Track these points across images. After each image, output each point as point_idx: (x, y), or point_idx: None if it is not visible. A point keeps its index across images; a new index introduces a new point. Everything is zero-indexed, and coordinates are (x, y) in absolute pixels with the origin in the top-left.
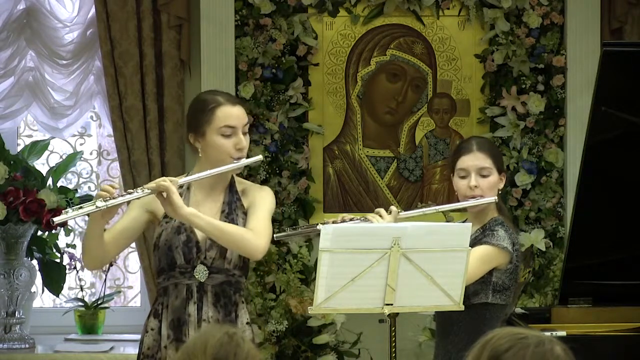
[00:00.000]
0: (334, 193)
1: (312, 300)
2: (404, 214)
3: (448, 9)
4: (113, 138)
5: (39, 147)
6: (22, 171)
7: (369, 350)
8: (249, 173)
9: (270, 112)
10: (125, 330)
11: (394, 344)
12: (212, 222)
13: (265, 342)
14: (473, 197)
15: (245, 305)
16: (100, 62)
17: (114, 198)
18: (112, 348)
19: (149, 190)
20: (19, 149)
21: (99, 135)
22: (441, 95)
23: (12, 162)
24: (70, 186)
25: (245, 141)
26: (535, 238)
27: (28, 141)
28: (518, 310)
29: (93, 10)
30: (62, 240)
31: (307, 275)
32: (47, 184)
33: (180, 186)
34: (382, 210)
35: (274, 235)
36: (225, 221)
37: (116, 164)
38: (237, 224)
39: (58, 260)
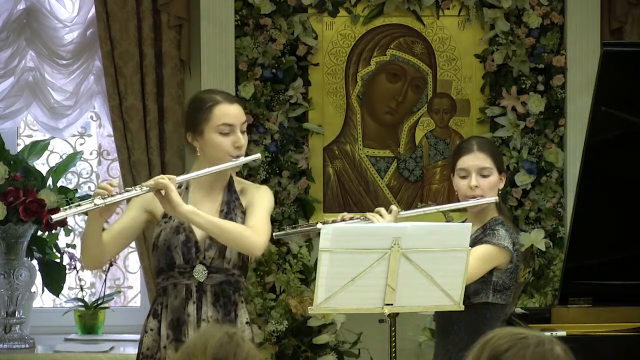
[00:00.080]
0: (334, 193)
1: (312, 300)
2: (404, 213)
3: (448, 9)
4: (113, 138)
5: (39, 147)
6: (22, 171)
7: (369, 350)
8: (249, 173)
9: (270, 112)
10: (125, 330)
11: (394, 344)
12: (211, 219)
13: (265, 342)
14: (473, 197)
15: (245, 305)
16: (100, 62)
17: (112, 196)
18: (112, 348)
19: (147, 188)
20: (19, 149)
21: (99, 135)
22: (441, 95)
23: (12, 162)
24: (70, 186)
25: (243, 139)
26: (535, 238)
27: (28, 141)
28: (518, 310)
29: (93, 10)
30: (62, 240)
31: (307, 275)
32: (47, 184)
33: (179, 186)
34: (382, 210)
35: (274, 234)
36: None
37: (116, 164)
38: None
39: (58, 260)
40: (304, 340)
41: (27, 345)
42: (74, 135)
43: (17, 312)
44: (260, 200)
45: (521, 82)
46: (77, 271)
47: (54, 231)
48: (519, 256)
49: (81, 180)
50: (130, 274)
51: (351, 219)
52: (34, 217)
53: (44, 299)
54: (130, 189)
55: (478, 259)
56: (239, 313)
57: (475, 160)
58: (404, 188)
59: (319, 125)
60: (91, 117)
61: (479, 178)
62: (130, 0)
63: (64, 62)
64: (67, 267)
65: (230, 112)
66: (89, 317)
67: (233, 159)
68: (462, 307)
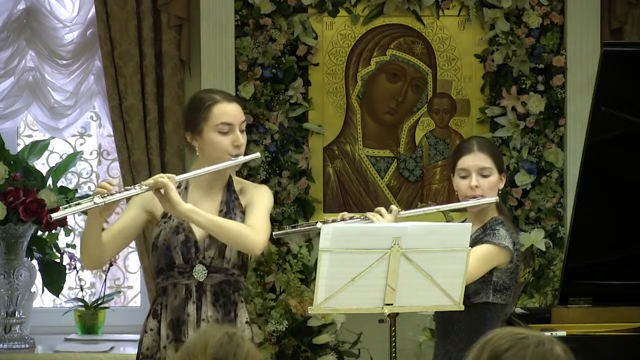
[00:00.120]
0: (334, 193)
1: (312, 300)
2: (404, 213)
3: (448, 9)
4: (113, 138)
5: (39, 147)
6: (22, 171)
7: (369, 350)
8: (249, 173)
9: (270, 112)
10: (125, 330)
11: (394, 344)
12: (211, 218)
13: (265, 342)
14: (474, 197)
15: (245, 305)
16: (100, 62)
17: (111, 195)
18: (112, 348)
19: (147, 187)
20: (19, 149)
21: (99, 135)
22: (441, 95)
23: (12, 162)
24: (70, 186)
25: (242, 138)
26: (535, 238)
27: (28, 141)
28: (518, 310)
29: (93, 10)
30: (62, 240)
31: (307, 275)
32: (47, 184)
33: (178, 185)
34: (382, 209)
35: (273, 233)
36: None
37: (116, 164)
38: None
39: (58, 260)
40: (304, 340)
41: (27, 345)
42: (74, 135)
43: (17, 312)
44: (260, 199)
45: (521, 82)
46: (77, 271)
47: (54, 231)
48: (519, 256)
49: (81, 180)
50: (130, 274)
51: (351, 218)
52: (34, 217)
53: (44, 299)
54: (129, 187)
55: (478, 258)
56: (239, 313)
57: (475, 160)
58: (404, 188)
59: (319, 125)
60: (91, 117)
61: (479, 178)
62: (130, 0)
63: (64, 62)
64: (67, 267)
65: (229, 111)
66: (89, 317)
67: (232, 158)
68: (462, 307)
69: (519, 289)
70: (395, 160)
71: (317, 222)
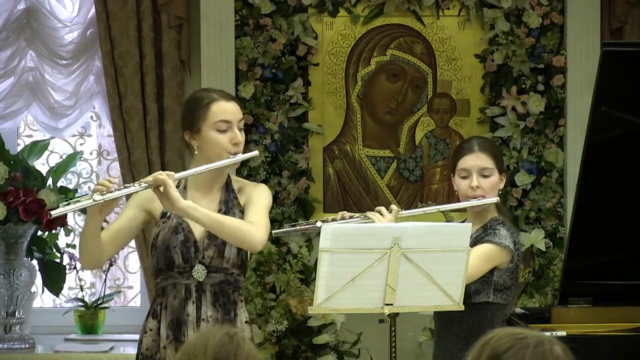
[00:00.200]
0: (334, 193)
1: (312, 300)
2: (404, 213)
3: (448, 9)
4: (113, 138)
5: (39, 147)
6: (22, 171)
7: (369, 350)
8: (249, 173)
9: (270, 112)
10: (125, 330)
11: (394, 344)
12: (210, 214)
13: (265, 342)
14: (474, 197)
15: (244, 304)
16: (100, 62)
17: (111, 192)
18: (112, 348)
19: (146, 184)
20: (19, 149)
21: (99, 135)
22: (441, 95)
23: (12, 162)
24: (70, 186)
25: (240, 136)
26: (535, 238)
27: (28, 141)
28: (518, 310)
29: (93, 10)
30: (62, 240)
31: (307, 275)
32: (47, 184)
33: (177, 185)
34: (382, 209)
35: (273, 232)
36: None
37: (116, 164)
38: None
39: (58, 260)
40: (304, 340)
41: (27, 345)
42: (74, 135)
43: (17, 312)
44: (259, 197)
45: (521, 82)
46: (77, 271)
47: (54, 231)
48: (520, 256)
49: (81, 180)
50: (130, 274)
51: (351, 217)
52: (34, 217)
53: (44, 299)
54: (129, 185)
55: (479, 258)
56: (239, 312)
57: (476, 160)
58: (404, 188)
59: (319, 125)
60: (91, 117)
61: (479, 178)
62: (130, 0)
63: (64, 62)
64: (67, 267)
65: (228, 109)
66: (89, 317)
67: (231, 156)
68: (462, 307)
69: (519, 289)
70: (395, 160)
71: (316, 221)
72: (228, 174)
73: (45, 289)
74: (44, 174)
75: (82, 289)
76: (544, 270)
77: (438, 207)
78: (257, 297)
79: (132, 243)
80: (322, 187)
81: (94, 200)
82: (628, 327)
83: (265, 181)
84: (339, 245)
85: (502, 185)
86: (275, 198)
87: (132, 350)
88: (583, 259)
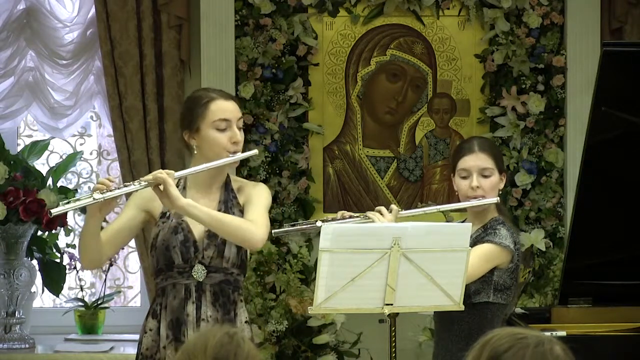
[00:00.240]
0: (334, 193)
1: (312, 300)
2: (404, 212)
3: (448, 9)
4: (113, 138)
5: (39, 147)
6: (22, 171)
7: (369, 350)
8: (249, 173)
9: (270, 112)
10: (125, 330)
11: (394, 344)
12: (210, 212)
13: (265, 342)
14: (475, 198)
15: (244, 304)
16: (100, 62)
17: (110, 191)
18: (112, 348)
19: (146, 183)
20: (19, 149)
21: (99, 135)
22: (441, 95)
23: (12, 162)
24: (70, 186)
25: (240, 135)
26: (535, 238)
27: (28, 141)
28: (518, 310)
29: (93, 10)
30: (62, 240)
31: (307, 275)
32: (47, 184)
33: (177, 185)
34: (382, 209)
35: (272, 232)
36: None
37: (116, 164)
38: None
39: (58, 260)
40: (304, 340)
41: (27, 345)
42: (74, 135)
43: (17, 312)
44: (258, 196)
45: (521, 82)
46: (77, 271)
47: (54, 231)
48: (520, 256)
49: (81, 180)
50: (130, 274)
51: (350, 216)
52: (34, 217)
53: (44, 299)
54: (128, 183)
55: (480, 257)
56: (238, 312)
57: (476, 160)
58: (404, 188)
59: (319, 125)
60: (91, 117)
61: (480, 178)
62: (130, 0)
63: (64, 62)
64: (67, 267)
65: (226, 108)
66: (89, 317)
67: (230, 155)
68: (462, 307)
69: (519, 289)
70: (395, 160)
71: (316, 221)
72: (227, 174)
73: (45, 289)
74: (44, 174)
75: (82, 289)
76: (544, 270)
77: (438, 207)
78: (257, 297)
79: (132, 243)
80: (322, 187)
81: (94, 198)
82: (628, 327)
83: (265, 181)
84: (339, 245)
85: (502, 186)
86: (275, 198)
87: (132, 350)
88: (583, 259)
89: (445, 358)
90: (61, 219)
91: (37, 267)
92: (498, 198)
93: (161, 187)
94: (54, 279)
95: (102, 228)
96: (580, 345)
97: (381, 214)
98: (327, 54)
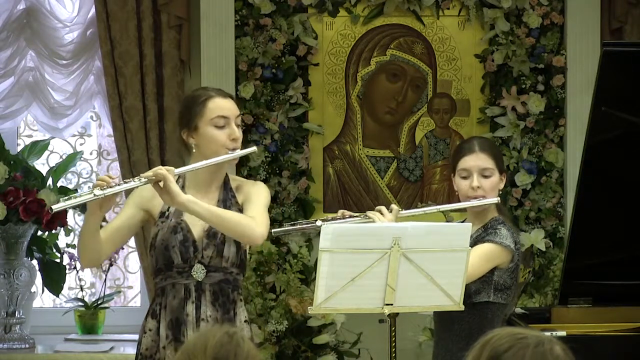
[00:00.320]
0: (334, 193)
1: (312, 300)
2: (404, 212)
3: (448, 9)
4: (113, 138)
5: (39, 147)
6: (22, 171)
7: (369, 350)
8: (249, 173)
9: (270, 112)
10: (125, 330)
11: (394, 344)
12: (210, 208)
13: (265, 342)
14: (475, 198)
15: (243, 304)
16: (100, 62)
17: (111, 187)
18: (112, 348)
19: (146, 179)
20: (19, 149)
21: (99, 135)
22: (441, 95)
23: (12, 162)
24: (70, 186)
25: (238, 132)
26: (535, 238)
27: (28, 141)
28: (518, 310)
29: (93, 10)
30: (62, 240)
31: (307, 275)
32: (47, 184)
33: (177, 181)
34: (383, 208)
35: (272, 231)
36: None
37: (116, 164)
38: None
39: (58, 260)
40: (304, 340)
41: (27, 345)
42: (74, 135)
43: (17, 312)
44: (257, 195)
45: (521, 82)
46: (77, 271)
47: (54, 231)
48: (520, 256)
49: (81, 180)
50: (130, 274)
51: (350, 216)
52: (34, 217)
53: (44, 299)
54: (129, 180)
55: (480, 257)
56: (238, 311)
57: (477, 160)
58: (404, 188)
59: (319, 125)
60: (91, 117)
61: (480, 178)
62: (130, 0)
63: (64, 62)
64: (67, 267)
65: (224, 105)
66: (89, 317)
67: (229, 152)
68: (462, 307)
69: (519, 289)
70: (395, 160)
71: (316, 220)
72: (226, 173)
73: (45, 289)
74: (44, 174)
75: (82, 289)
76: (544, 270)
77: (438, 207)
78: (257, 297)
79: (132, 243)
80: (322, 187)
81: (94, 195)
82: (628, 327)
83: (265, 181)
84: (339, 245)
85: (502, 186)
86: (275, 198)
87: (132, 350)
88: (583, 259)
89: (446, 358)
90: (61, 219)
91: (37, 267)
92: (498, 198)
93: (161, 184)
94: (54, 279)
95: (101, 227)
96: (580, 345)
97: (381, 214)
98: (327, 54)
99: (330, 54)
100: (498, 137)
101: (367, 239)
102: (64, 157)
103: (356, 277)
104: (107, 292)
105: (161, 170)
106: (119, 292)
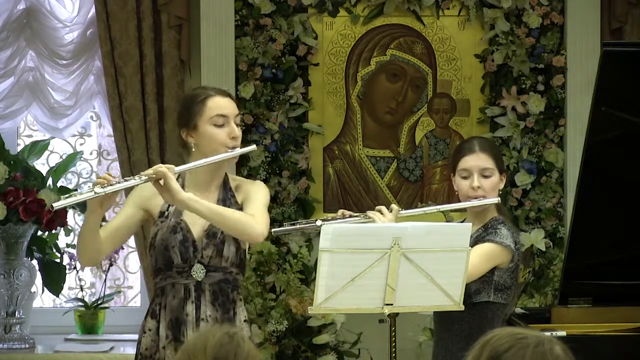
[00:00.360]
0: (334, 193)
1: (312, 300)
2: (404, 212)
3: (448, 9)
4: (113, 138)
5: (39, 147)
6: (22, 171)
7: (369, 350)
8: (249, 173)
9: (270, 112)
10: (125, 330)
11: (394, 344)
12: (211, 206)
13: (265, 342)
14: (475, 198)
15: (243, 303)
16: (100, 62)
17: (112, 185)
18: (112, 348)
19: (146, 177)
20: (19, 149)
21: (99, 135)
22: (441, 95)
23: (12, 162)
24: (70, 186)
25: (238, 130)
26: (535, 238)
27: (28, 141)
28: (518, 310)
29: (93, 10)
30: (62, 240)
31: (307, 275)
32: (47, 184)
33: (177, 177)
34: (383, 208)
35: (272, 231)
36: None
37: (116, 164)
38: None
39: (58, 260)
40: (304, 340)
41: (27, 345)
42: (74, 135)
43: (17, 312)
44: (256, 193)
45: (521, 82)
46: (77, 271)
47: (54, 231)
48: (520, 255)
49: (81, 180)
50: (130, 274)
51: (350, 215)
52: (34, 217)
53: (44, 299)
54: (129, 178)
55: (481, 256)
56: (237, 311)
57: (477, 160)
58: (404, 188)
59: (319, 125)
60: (91, 117)
61: (480, 178)
62: (130, 0)
63: (64, 62)
64: (67, 267)
65: (224, 104)
66: (89, 317)
67: (229, 150)
68: (462, 307)
69: (519, 289)
70: (395, 160)
71: (316, 220)
72: (225, 173)
73: (45, 289)
74: (44, 174)
75: (82, 289)
76: (544, 270)
77: (438, 207)
78: (257, 297)
79: (132, 243)
80: (322, 187)
81: (95, 192)
82: (628, 327)
83: (265, 181)
84: (339, 245)
85: (502, 186)
86: (275, 198)
87: (132, 350)
88: (583, 259)
89: (445, 358)
90: (61, 219)
91: (37, 267)
92: (499, 198)
93: (161, 182)
94: (54, 279)
95: (100, 226)
96: (580, 345)
97: (381, 213)
98: (327, 54)
99: (330, 54)
100: (498, 137)
101: (367, 239)
102: (64, 157)
103: (356, 277)
104: (107, 292)
105: (161, 168)
106: (119, 292)
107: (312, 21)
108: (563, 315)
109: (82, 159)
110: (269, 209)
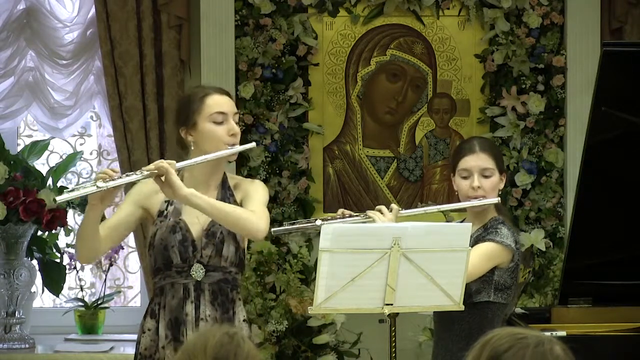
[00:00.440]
0: (334, 193)
1: (312, 300)
2: (404, 212)
3: (448, 9)
4: (113, 138)
5: (39, 147)
6: (22, 171)
7: (369, 350)
8: (249, 173)
9: (270, 112)
10: (125, 330)
11: (394, 344)
12: (211, 201)
13: (265, 342)
14: (475, 198)
15: (242, 303)
16: (100, 62)
17: (113, 180)
18: (112, 348)
19: (148, 173)
20: (19, 149)
21: (99, 135)
22: (441, 95)
23: (12, 162)
24: (70, 186)
25: (237, 128)
26: (535, 238)
27: (28, 141)
28: (518, 310)
29: (93, 10)
30: (62, 240)
31: (307, 275)
32: (47, 184)
33: (178, 172)
34: (383, 208)
35: (272, 230)
36: None
37: (116, 164)
38: None
39: (58, 260)
40: (304, 340)
41: (27, 345)
42: (74, 135)
43: (17, 312)
44: (255, 191)
45: (521, 82)
46: (77, 271)
47: (54, 231)
48: (520, 255)
49: (81, 180)
50: (130, 274)
51: (350, 215)
52: (34, 217)
53: (44, 299)
54: (130, 173)
55: (481, 256)
56: (237, 311)
57: (477, 160)
58: (404, 188)
59: (319, 125)
60: (91, 117)
61: (481, 178)
62: (130, 0)
63: (64, 62)
64: (67, 267)
65: (222, 101)
66: (89, 317)
67: (229, 147)
68: (462, 307)
69: (519, 288)
70: (395, 160)
71: (316, 220)
72: (224, 172)
73: (45, 289)
74: (44, 174)
75: (82, 289)
76: (544, 270)
77: (438, 207)
78: (257, 297)
79: (132, 243)
80: (322, 187)
81: (97, 187)
82: (628, 327)
83: (265, 181)
84: (339, 245)
85: (502, 186)
86: (275, 198)
87: (132, 350)
88: (583, 259)
89: (445, 358)
90: (61, 219)
91: (37, 267)
92: (499, 198)
93: (163, 177)
94: (54, 279)
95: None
96: (580, 345)
97: (381, 213)
98: (327, 54)
99: (330, 54)
100: (498, 137)
101: (367, 239)
102: (64, 157)
103: (356, 277)
104: (107, 292)
105: (162, 163)
106: (119, 292)
107: (312, 21)
108: (563, 315)
109: (82, 159)
110: (269, 209)
